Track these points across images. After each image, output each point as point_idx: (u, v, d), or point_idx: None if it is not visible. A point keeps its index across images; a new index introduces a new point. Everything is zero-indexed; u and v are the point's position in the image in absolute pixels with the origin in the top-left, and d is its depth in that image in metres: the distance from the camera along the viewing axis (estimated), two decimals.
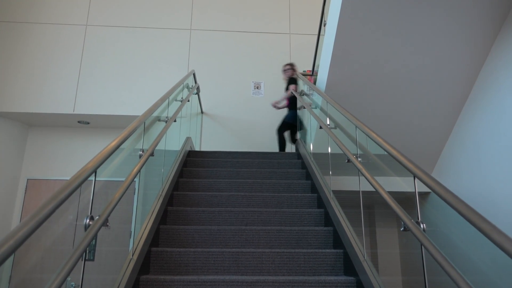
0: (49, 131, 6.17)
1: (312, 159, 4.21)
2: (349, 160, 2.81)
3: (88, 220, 1.62)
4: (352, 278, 2.45)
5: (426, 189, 1.83)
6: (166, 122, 3.37)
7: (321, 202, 3.45)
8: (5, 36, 6.02)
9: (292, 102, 5.20)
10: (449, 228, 3.31)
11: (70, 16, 6.26)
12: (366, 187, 2.56)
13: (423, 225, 1.82)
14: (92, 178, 1.72)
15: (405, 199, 2.77)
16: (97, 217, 1.68)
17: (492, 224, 1.35)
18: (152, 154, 2.68)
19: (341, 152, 3.03)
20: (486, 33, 3.66)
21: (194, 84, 5.25)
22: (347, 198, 3.15)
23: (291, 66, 5.36)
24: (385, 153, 2.31)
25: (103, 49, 6.17)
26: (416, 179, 1.96)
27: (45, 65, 5.97)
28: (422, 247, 1.77)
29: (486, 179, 3.79)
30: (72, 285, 2.17)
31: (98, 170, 1.73)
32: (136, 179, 2.44)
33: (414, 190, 2.01)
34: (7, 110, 5.63)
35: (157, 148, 2.86)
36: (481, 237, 1.38)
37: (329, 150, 3.57)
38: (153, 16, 6.45)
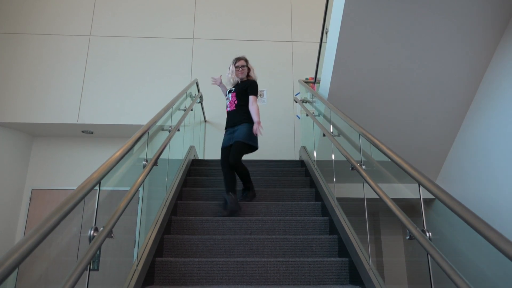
0: (53, 141, 6.20)
1: (316, 166, 4.20)
2: (353, 168, 2.81)
3: (92, 232, 1.62)
4: (358, 287, 2.43)
5: (431, 196, 1.82)
6: (169, 131, 3.38)
7: (325, 210, 3.43)
8: (9, 47, 6.07)
9: (247, 113, 3.64)
10: (455, 235, 3.28)
11: (73, 27, 6.32)
12: (370, 194, 2.55)
13: (429, 234, 1.80)
14: (96, 188, 1.72)
15: (410, 206, 2.76)
16: (101, 228, 1.68)
17: (499, 232, 1.34)
18: (156, 164, 2.68)
19: (344, 159, 3.03)
20: (488, 40, 3.66)
21: (197, 93, 5.27)
22: (352, 206, 3.13)
23: (247, 62, 3.85)
24: (389, 160, 2.30)
25: (107, 59, 6.22)
26: (421, 187, 1.95)
27: (49, 76, 6.01)
28: (428, 255, 1.75)
29: (492, 184, 3.76)
30: None
31: (102, 181, 1.73)
32: (140, 189, 2.44)
33: (418, 197, 2.00)
34: (11, 120, 5.67)
35: (161, 157, 2.87)
36: (488, 245, 1.37)
37: (333, 158, 3.56)
38: (156, 26, 6.49)
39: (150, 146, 2.73)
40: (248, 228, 3.21)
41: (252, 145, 3.51)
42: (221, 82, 4.15)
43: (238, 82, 3.77)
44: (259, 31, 6.65)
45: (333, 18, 3.78)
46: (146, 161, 2.57)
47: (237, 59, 3.81)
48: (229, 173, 3.52)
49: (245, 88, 3.68)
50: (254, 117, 3.54)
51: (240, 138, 3.47)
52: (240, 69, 3.75)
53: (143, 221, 2.74)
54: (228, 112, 3.75)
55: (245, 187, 3.64)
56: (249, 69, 3.80)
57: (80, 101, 5.91)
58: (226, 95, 3.89)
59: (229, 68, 3.81)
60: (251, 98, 3.64)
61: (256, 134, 3.49)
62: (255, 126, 3.49)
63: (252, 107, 3.60)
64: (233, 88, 3.76)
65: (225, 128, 3.74)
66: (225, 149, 3.63)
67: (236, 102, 3.67)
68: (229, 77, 3.81)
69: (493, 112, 3.74)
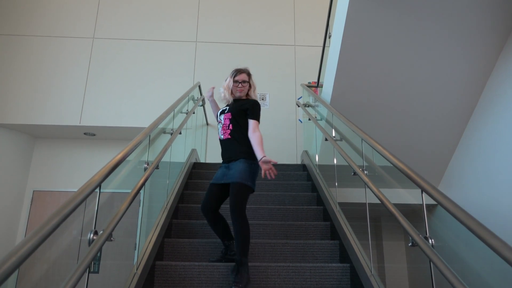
0: (55, 143, 6.20)
1: (317, 171, 4.18)
2: (355, 173, 2.79)
3: (92, 235, 1.61)
4: None
5: (434, 202, 1.81)
6: (171, 134, 3.38)
7: (327, 215, 3.41)
8: (12, 48, 6.09)
9: (246, 144, 2.69)
10: (457, 242, 3.26)
11: (76, 29, 6.33)
12: (372, 199, 2.53)
13: (431, 241, 1.79)
14: (97, 191, 1.72)
15: (411, 212, 2.74)
16: (101, 232, 1.67)
17: (502, 240, 1.32)
18: (157, 167, 2.67)
19: (346, 164, 3.01)
20: (491, 45, 3.64)
21: (199, 96, 5.27)
22: (353, 211, 3.11)
23: (250, 77, 2.93)
24: (391, 165, 2.29)
25: (110, 61, 6.23)
26: (423, 193, 1.93)
27: (52, 77, 6.02)
28: (431, 263, 1.73)
29: (495, 191, 3.74)
30: None
31: (103, 184, 1.72)
32: (141, 192, 2.44)
33: (420, 203, 1.98)
34: (13, 122, 5.67)
35: (162, 160, 2.86)
36: (491, 253, 1.35)
37: (335, 162, 3.55)
38: (159, 28, 6.50)
39: (151, 149, 2.72)
40: None
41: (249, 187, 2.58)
42: (212, 95, 3.16)
43: (231, 100, 2.86)
44: (262, 35, 6.66)
45: (336, 22, 3.77)
46: (148, 164, 2.56)
47: (238, 72, 2.87)
48: (216, 220, 2.67)
49: (244, 109, 2.74)
50: (257, 151, 2.56)
51: (237, 177, 2.54)
52: (240, 85, 2.83)
53: (144, 224, 2.73)
54: (220, 141, 2.80)
55: (237, 258, 2.47)
56: (250, 86, 2.90)
57: (82, 103, 5.92)
58: (217, 116, 2.94)
59: (226, 80, 2.91)
60: (251, 123, 2.69)
61: (266, 176, 2.47)
62: (265, 166, 2.46)
63: (253, 135, 2.63)
64: (227, 108, 2.84)
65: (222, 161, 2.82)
66: (213, 186, 2.70)
67: (231, 128, 2.72)
68: (223, 93, 2.88)
69: (497, 117, 3.72)
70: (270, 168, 2.45)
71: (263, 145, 2.59)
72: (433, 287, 1.83)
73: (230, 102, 2.86)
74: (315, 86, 5.50)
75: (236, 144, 2.69)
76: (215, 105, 3.17)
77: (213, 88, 3.19)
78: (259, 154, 2.53)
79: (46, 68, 6.05)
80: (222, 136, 2.76)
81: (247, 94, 2.91)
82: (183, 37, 6.51)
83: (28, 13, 6.34)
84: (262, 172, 2.47)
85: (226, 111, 2.80)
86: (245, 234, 2.46)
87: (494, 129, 3.76)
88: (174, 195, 3.46)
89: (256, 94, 2.96)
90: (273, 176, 2.45)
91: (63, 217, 1.29)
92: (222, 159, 2.79)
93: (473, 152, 4.09)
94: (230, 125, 2.73)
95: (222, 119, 2.80)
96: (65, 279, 1.34)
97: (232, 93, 2.86)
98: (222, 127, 2.77)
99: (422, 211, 1.96)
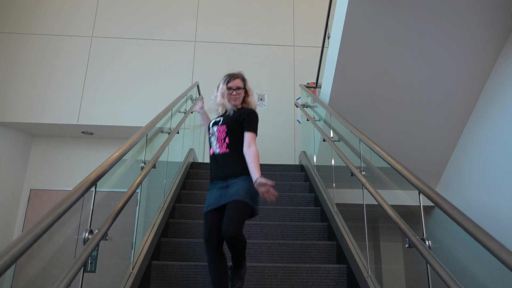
0: (53, 142, 6.18)
1: (315, 171, 4.18)
2: (352, 174, 2.79)
3: (87, 234, 1.60)
4: None
5: (430, 203, 1.80)
6: (169, 133, 3.37)
7: (324, 216, 3.41)
8: (11, 46, 6.07)
9: (242, 161, 2.27)
10: (455, 244, 3.25)
11: (75, 28, 6.32)
12: (370, 200, 2.53)
13: (428, 242, 1.78)
14: (92, 190, 1.71)
15: (409, 213, 2.73)
16: (96, 231, 1.66)
17: (500, 242, 1.32)
18: (154, 167, 2.66)
19: (344, 164, 3.01)
20: (491, 46, 3.64)
21: (198, 96, 5.26)
22: (351, 212, 3.11)
23: (245, 82, 2.55)
24: (389, 166, 2.28)
25: (108, 60, 6.21)
26: (421, 194, 1.93)
27: (50, 76, 6.00)
28: (428, 264, 1.73)
29: (492, 193, 3.73)
30: None
31: (99, 182, 1.71)
32: (138, 191, 2.43)
33: (417, 204, 1.98)
34: (11, 120, 5.65)
35: (159, 159, 2.85)
36: (488, 255, 1.35)
37: (333, 163, 3.54)
38: (158, 28, 6.49)
39: (149, 148, 2.71)
40: (245, 233, 3.17)
41: (253, 208, 2.22)
42: (202, 107, 2.81)
43: (229, 110, 2.43)
44: (261, 35, 6.65)
45: (335, 23, 3.77)
46: (144, 163, 2.55)
47: (231, 77, 2.49)
48: (219, 260, 2.17)
49: (241, 120, 2.37)
50: (252, 171, 2.17)
51: (241, 195, 2.16)
52: (234, 92, 2.44)
53: (141, 224, 2.72)
54: (214, 156, 2.35)
55: (235, 264, 2.27)
56: (246, 92, 2.52)
57: (80, 102, 5.90)
58: (209, 128, 2.50)
59: (218, 87, 2.51)
60: (247, 136, 2.31)
61: (263, 196, 2.09)
62: (261, 189, 2.07)
63: (248, 151, 2.25)
64: (220, 119, 2.44)
65: (210, 180, 2.38)
66: (211, 214, 2.22)
67: (228, 140, 2.33)
68: (216, 102, 2.47)
69: (496, 119, 3.72)
70: (268, 191, 2.06)
71: (259, 163, 2.21)
72: None
73: (223, 111, 2.45)
74: (314, 86, 5.50)
75: (236, 159, 2.28)
76: (206, 117, 2.78)
77: (202, 99, 2.94)
78: (254, 175, 2.14)
79: (45, 67, 6.04)
80: (217, 150, 2.33)
81: (244, 101, 2.52)
82: (182, 37, 6.50)
83: (27, 11, 6.32)
84: (261, 191, 2.10)
85: (220, 123, 2.40)
86: (242, 250, 2.22)
87: (493, 130, 3.75)
88: (171, 194, 3.45)
89: (254, 100, 2.58)
90: (273, 199, 2.08)
91: (57, 215, 1.28)
92: (216, 177, 2.32)
93: (471, 154, 4.09)
94: (226, 138, 2.33)
95: (215, 131, 2.39)
96: (59, 278, 1.33)
97: (226, 101, 2.44)
98: (217, 140, 2.36)
99: (419, 213, 1.95)
